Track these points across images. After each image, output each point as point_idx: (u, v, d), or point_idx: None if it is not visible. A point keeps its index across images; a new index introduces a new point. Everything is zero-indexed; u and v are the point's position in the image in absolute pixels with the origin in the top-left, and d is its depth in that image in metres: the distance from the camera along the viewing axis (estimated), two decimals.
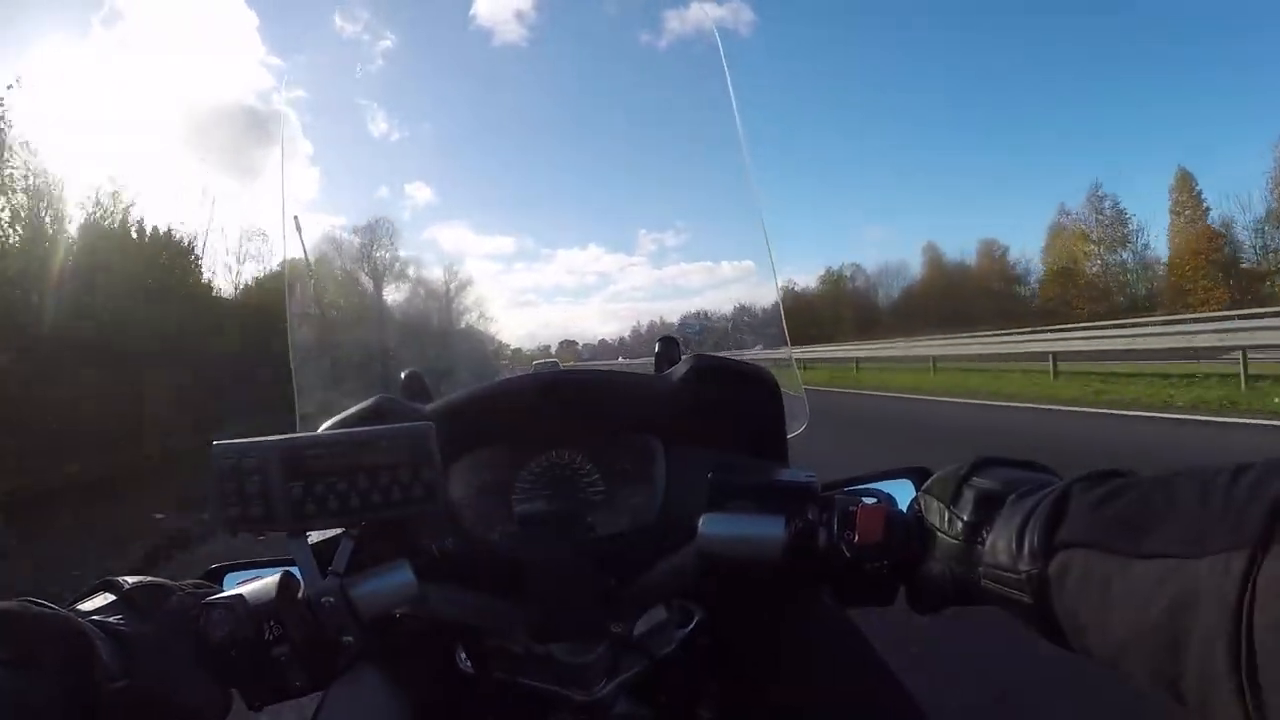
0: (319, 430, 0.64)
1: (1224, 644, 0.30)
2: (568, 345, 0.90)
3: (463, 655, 0.67)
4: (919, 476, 0.71)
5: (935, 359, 17.02)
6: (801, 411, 0.88)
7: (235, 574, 0.68)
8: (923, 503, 0.54)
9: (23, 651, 0.40)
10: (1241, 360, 9.21)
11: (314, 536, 0.55)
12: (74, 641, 0.43)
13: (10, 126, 9.84)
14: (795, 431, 0.80)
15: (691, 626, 0.67)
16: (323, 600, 0.52)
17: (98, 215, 12.01)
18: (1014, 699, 2.50)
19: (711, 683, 0.69)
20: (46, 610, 0.44)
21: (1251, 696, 0.29)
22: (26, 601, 0.43)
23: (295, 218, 0.86)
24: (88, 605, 0.49)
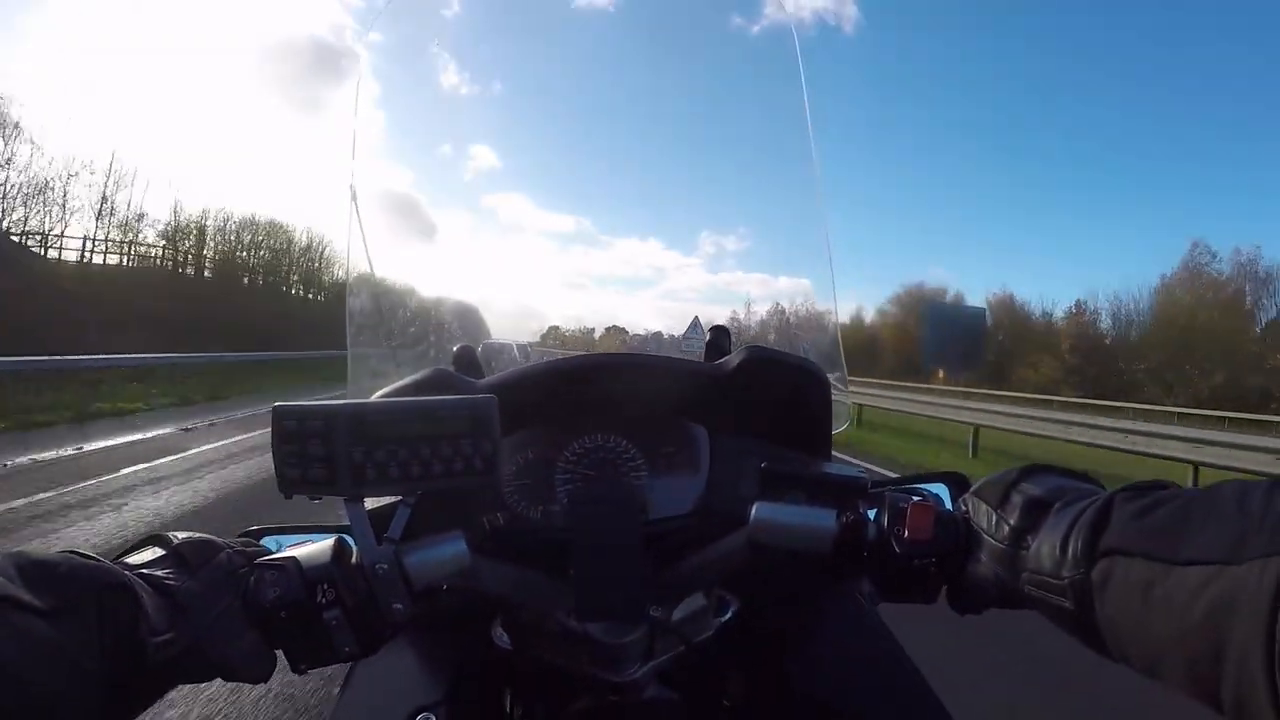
0: (374, 399, 0.65)
1: (1260, 649, 0.30)
2: (615, 331, 0.89)
3: (499, 631, 0.68)
4: (954, 482, 0.70)
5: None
6: (844, 412, 0.88)
7: (273, 537, 0.69)
8: (971, 505, 0.54)
9: (63, 600, 0.41)
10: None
11: (367, 503, 0.55)
12: (117, 593, 0.44)
13: None
14: (838, 430, 0.80)
15: (729, 615, 0.67)
16: (377, 567, 0.53)
17: None
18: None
19: (741, 670, 0.69)
20: (90, 561, 0.44)
21: None
22: (70, 553, 0.44)
23: (351, 187, 0.87)
24: (135, 559, 0.49)
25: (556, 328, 1.64)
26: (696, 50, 1.35)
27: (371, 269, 0.92)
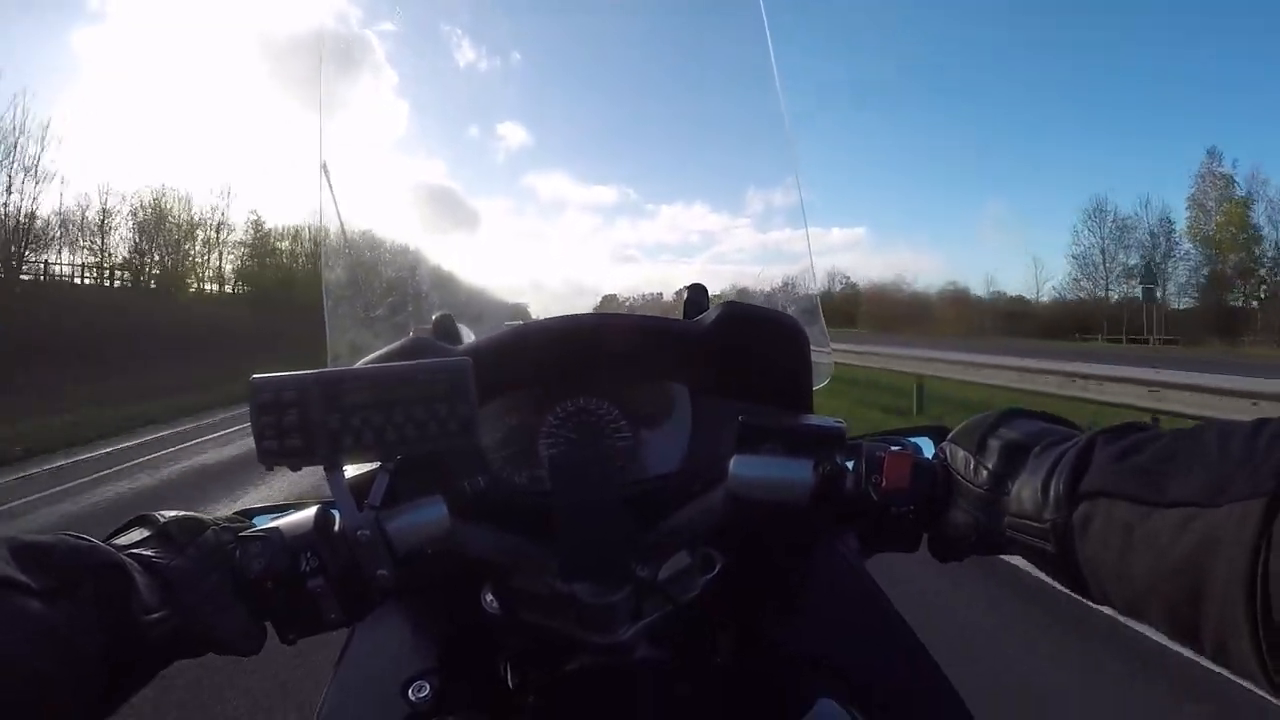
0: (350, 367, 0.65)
1: (1241, 590, 0.30)
2: (699, 290, 0.88)
3: (489, 596, 0.68)
4: (939, 434, 0.71)
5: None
6: (825, 368, 0.88)
7: (265, 515, 0.70)
8: (948, 451, 0.54)
9: (60, 582, 0.41)
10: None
11: (350, 471, 0.56)
12: (111, 573, 0.44)
13: None
14: (819, 384, 0.81)
15: (714, 573, 0.68)
16: (359, 533, 0.53)
17: None
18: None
19: (730, 628, 0.70)
20: (83, 542, 0.45)
21: (1267, 642, 0.30)
22: (63, 534, 0.44)
23: (324, 165, 0.86)
24: (123, 539, 0.50)
25: (613, 297, 1.63)
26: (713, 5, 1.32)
27: (346, 242, 0.92)
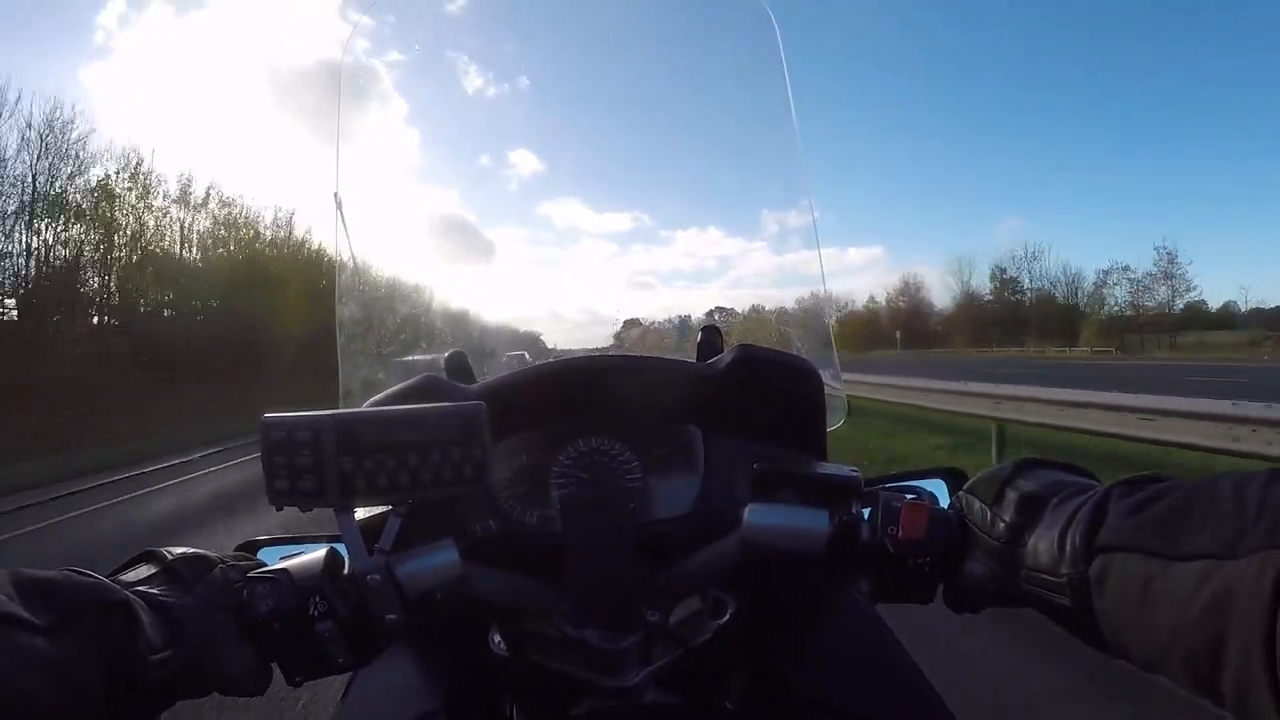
0: (363, 407, 0.65)
1: (1260, 643, 0.30)
2: (712, 332, 0.88)
3: (497, 638, 0.67)
4: (952, 477, 0.70)
5: None
6: (839, 408, 0.87)
7: (271, 549, 0.69)
8: (965, 502, 0.54)
9: (64, 618, 0.41)
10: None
11: (359, 513, 0.55)
12: (116, 610, 0.44)
13: None
14: (833, 426, 0.80)
15: (726, 618, 0.67)
16: (369, 577, 0.53)
17: None
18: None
19: (741, 674, 0.69)
20: (87, 578, 0.44)
21: None
22: (69, 571, 0.44)
23: (335, 195, 0.86)
24: (130, 576, 0.50)
25: (635, 321, 1.64)
26: (718, 27, 1.33)
27: (360, 276, 0.92)
